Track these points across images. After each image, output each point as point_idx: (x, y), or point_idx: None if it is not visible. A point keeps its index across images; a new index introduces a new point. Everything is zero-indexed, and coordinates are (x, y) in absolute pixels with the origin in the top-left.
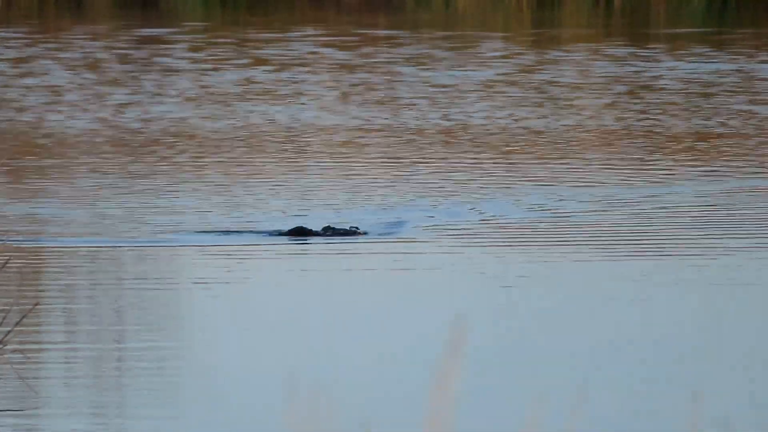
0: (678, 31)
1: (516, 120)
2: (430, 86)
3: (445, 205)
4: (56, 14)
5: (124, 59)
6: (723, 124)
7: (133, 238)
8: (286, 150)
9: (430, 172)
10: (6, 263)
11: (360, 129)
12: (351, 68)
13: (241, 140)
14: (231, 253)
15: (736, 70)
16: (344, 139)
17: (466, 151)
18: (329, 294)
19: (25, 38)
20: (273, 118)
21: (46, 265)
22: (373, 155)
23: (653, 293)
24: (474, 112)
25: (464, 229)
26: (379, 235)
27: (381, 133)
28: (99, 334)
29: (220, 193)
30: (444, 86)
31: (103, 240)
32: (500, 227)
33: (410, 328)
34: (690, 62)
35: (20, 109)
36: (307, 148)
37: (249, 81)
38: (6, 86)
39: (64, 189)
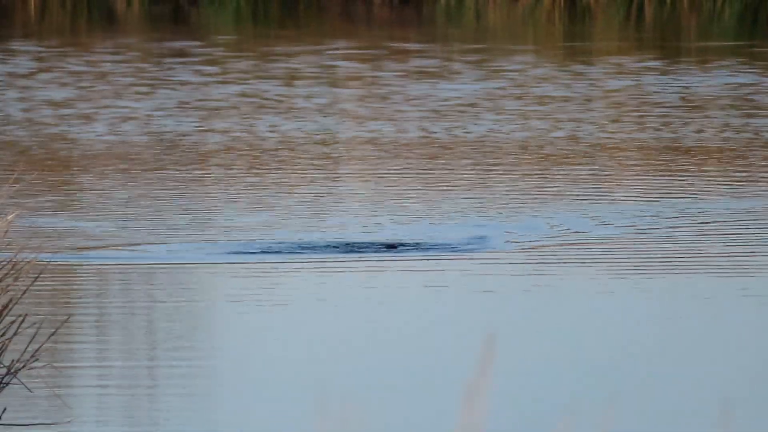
0: (708, 44)
1: (549, 131)
2: (458, 99)
3: (520, 220)
4: (88, 27)
5: (149, 71)
6: (755, 138)
7: (165, 254)
8: (322, 163)
9: (492, 186)
10: (37, 277)
11: (396, 142)
12: (378, 81)
13: (276, 153)
14: (271, 269)
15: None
16: (383, 152)
17: (513, 164)
18: (369, 311)
19: (51, 51)
20: (304, 130)
21: (78, 280)
22: (418, 168)
23: (715, 311)
24: (506, 125)
25: (549, 244)
26: (463, 250)
27: (420, 145)
28: (131, 349)
29: (258, 208)
30: (473, 98)
31: (135, 255)
32: (581, 243)
33: (455, 345)
34: (719, 76)
35: (42, 123)
36: (346, 162)
37: (276, 94)
38: (25, 100)
39: (95, 203)
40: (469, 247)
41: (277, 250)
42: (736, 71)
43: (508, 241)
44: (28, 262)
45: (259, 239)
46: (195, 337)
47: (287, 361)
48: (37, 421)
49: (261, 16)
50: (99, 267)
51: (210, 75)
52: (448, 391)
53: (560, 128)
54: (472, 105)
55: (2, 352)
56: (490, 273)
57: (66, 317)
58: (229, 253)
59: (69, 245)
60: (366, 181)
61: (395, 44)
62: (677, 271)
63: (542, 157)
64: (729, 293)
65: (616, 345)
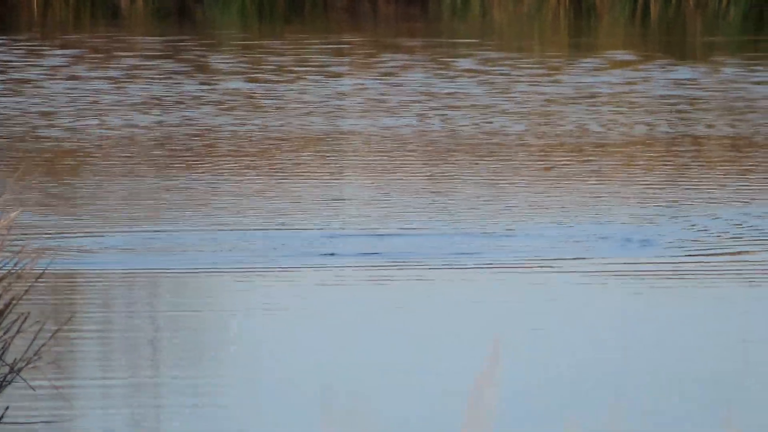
0: (714, 39)
1: (608, 128)
2: (482, 96)
3: (665, 223)
4: (91, 23)
5: (149, 68)
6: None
7: (175, 260)
8: (382, 161)
9: (609, 185)
10: (40, 276)
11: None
12: (388, 76)
13: (290, 150)
14: (300, 274)
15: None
16: (450, 150)
17: (617, 162)
18: (383, 323)
19: (49, 47)
20: (353, 127)
21: (80, 279)
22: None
23: None
24: (544, 122)
25: (721, 252)
26: (625, 254)
27: (480, 141)
28: (135, 347)
29: (274, 209)
30: (505, 96)
31: (141, 260)
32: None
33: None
34: (724, 73)
35: (40, 120)
36: (399, 159)
37: (278, 91)
38: (22, 94)
39: (99, 201)
40: (631, 251)
41: (331, 252)
42: (740, 67)
43: (672, 246)
44: (31, 260)
45: (275, 244)
46: (200, 340)
47: (300, 370)
48: (39, 420)
49: (266, 14)
50: (102, 270)
51: (212, 71)
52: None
53: (623, 125)
54: (509, 104)
55: (4, 350)
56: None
57: (69, 316)
58: (239, 258)
59: (72, 245)
60: (469, 179)
61: (398, 40)
62: None
63: (648, 156)
64: None
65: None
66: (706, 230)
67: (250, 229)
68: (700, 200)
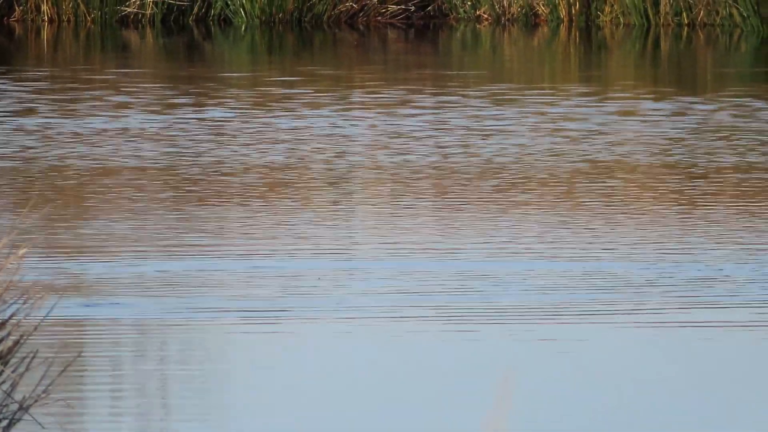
0: (725, 70)
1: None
2: (502, 127)
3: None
4: (102, 59)
5: (155, 98)
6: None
7: (183, 302)
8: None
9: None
10: (48, 314)
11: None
12: (395, 111)
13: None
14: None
15: None
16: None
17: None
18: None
19: (57, 81)
20: (378, 161)
21: (89, 319)
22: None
23: None
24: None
25: None
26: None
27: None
28: (143, 386)
29: (287, 249)
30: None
31: (149, 309)
32: None
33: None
34: (735, 107)
35: (50, 152)
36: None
37: (288, 126)
38: (25, 129)
39: (109, 237)
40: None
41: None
42: (753, 101)
43: None
44: (39, 298)
45: (284, 288)
46: (209, 382)
47: (315, 421)
48: None
49: (276, 50)
50: (112, 311)
51: (216, 105)
52: None
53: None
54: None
55: (13, 388)
56: None
57: (77, 353)
58: (252, 304)
59: (81, 283)
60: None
61: (408, 74)
62: None
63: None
64: None
65: None
66: None
67: (260, 271)
68: None
